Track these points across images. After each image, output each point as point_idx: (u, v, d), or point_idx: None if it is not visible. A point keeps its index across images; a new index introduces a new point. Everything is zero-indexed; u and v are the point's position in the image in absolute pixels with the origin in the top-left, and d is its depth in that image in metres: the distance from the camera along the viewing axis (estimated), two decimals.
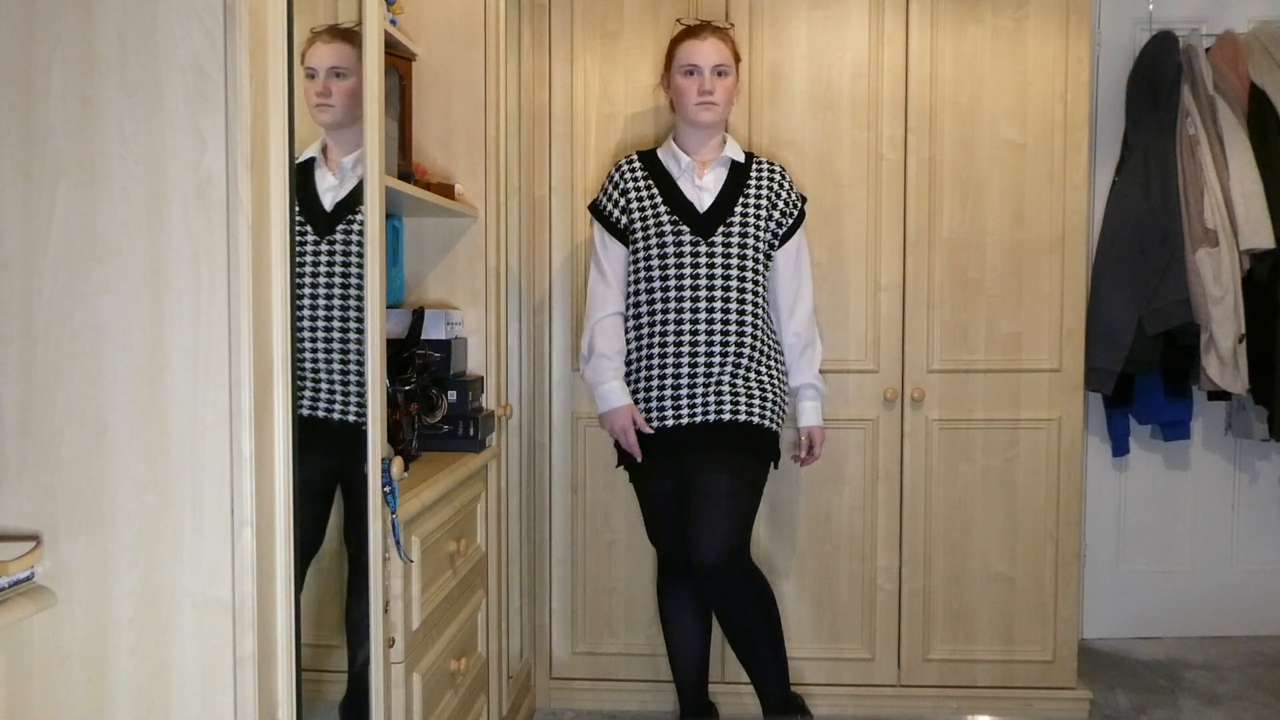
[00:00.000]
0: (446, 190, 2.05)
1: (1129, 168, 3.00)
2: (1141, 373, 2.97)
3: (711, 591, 2.26)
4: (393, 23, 2.01)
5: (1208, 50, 3.02)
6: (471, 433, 2.08)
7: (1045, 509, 2.65)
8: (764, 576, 2.32)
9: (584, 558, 2.73)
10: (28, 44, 1.09)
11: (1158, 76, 2.95)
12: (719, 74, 2.27)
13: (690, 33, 2.30)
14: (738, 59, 2.33)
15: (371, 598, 1.45)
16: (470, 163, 2.18)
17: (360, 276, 1.43)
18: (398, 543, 1.53)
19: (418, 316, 2.02)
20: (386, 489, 1.46)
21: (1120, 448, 3.15)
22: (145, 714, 1.12)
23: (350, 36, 1.45)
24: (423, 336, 2.03)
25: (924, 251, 2.62)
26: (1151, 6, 3.12)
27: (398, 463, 1.48)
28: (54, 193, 1.10)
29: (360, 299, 1.43)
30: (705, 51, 2.26)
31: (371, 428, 1.43)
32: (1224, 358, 2.86)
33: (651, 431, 2.30)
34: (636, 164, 2.38)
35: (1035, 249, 2.62)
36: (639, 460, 2.33)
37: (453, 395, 2.05)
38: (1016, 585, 2.66)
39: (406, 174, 1.95)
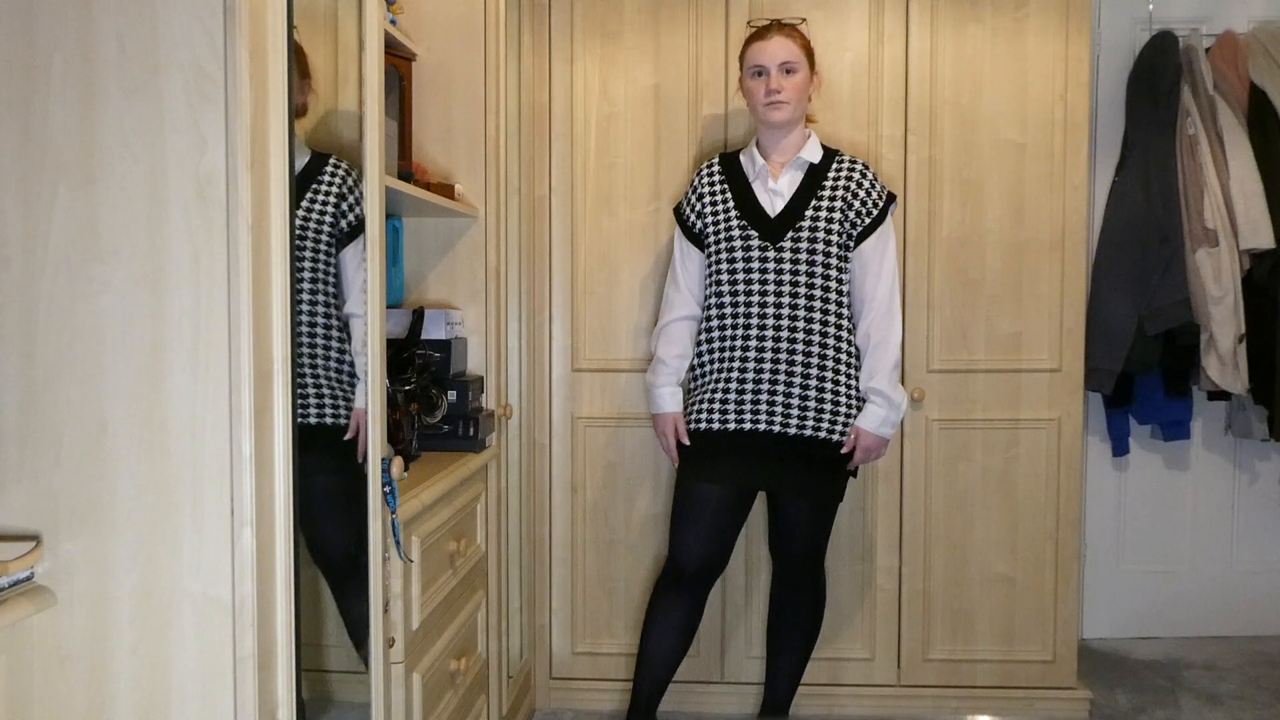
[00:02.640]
0: (446, 190, 2.05)
1: (1129, 168, 3.00)
2: (1141, 373, 2.97)
3: (786, 582, 2.45)
4: (393, 23, 2.01)
5: (1208, 50, 3.02)
6: (471, 433, 2.08)
7: (1045, 509, 2.65)
8: (825, 592, 2.51)
9: (584, 558, 2.73)
10: (28, 44, 1.09)
11: (1158, 76, 2.95)
12: (786, 72, 2.24)
13: (757, 34, 2.29)
14: (810, 54, 2.29)
15: (371, 598, 1.45)
16: (470, 163, 2.18)
17: (314, 279, 1.40)
18: (398, 543, 1.53)
19: (418, 316, 2.02)
20: (386, 489, 1.46)
21: (1120, 448, 3.15)
22: (145, 714, 1.12)
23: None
24: (423, 336, 2.03)
25: (924, 251, 2.62)
26: (1151, 6, 3.12)
27: (398, 463, 1.48)
28: (54, 193, 1.10)
29: (306, 306, 1.38)
30: (770, 50, 2.24)
31: (371, 428, 1.43)
32: (1224, 358, 2.86)
33: (687, 442, 2.33)
34: (716, 167, 2.39)
35: (1035, 249, 2.62)
36: (685, 461, 2.33)
37: (453, 395, 2.05)
38: (1016, 585, 2.66)
39: (406, 174, 1.95)
